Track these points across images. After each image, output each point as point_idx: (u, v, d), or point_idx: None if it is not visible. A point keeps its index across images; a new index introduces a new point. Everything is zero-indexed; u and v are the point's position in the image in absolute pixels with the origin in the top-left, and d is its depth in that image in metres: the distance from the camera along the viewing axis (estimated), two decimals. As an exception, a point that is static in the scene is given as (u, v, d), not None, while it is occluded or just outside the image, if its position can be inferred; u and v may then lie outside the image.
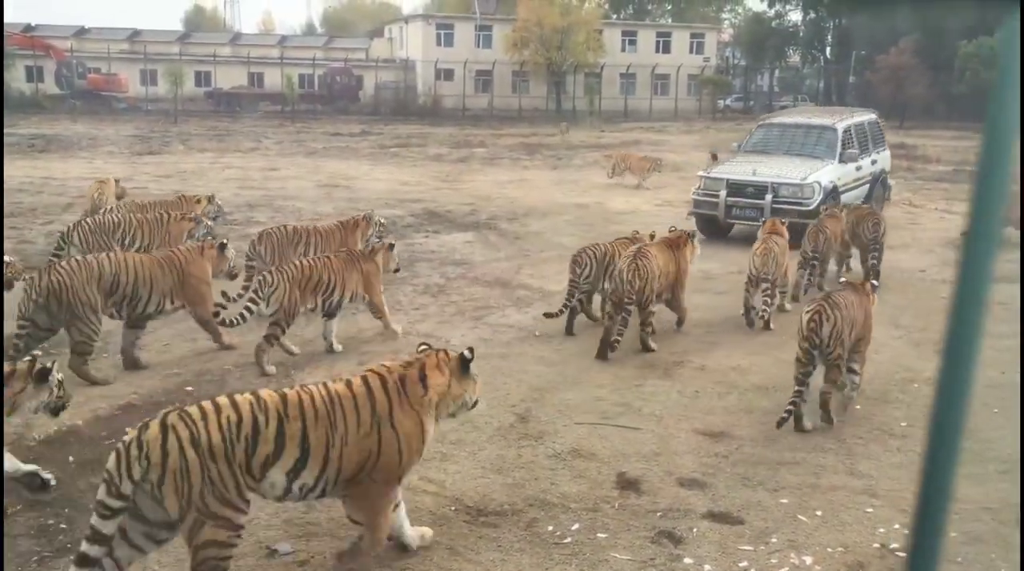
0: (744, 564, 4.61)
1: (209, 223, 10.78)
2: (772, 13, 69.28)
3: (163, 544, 4.16)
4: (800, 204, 13.52)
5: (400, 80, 58.06)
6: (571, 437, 6.30)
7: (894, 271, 11.57)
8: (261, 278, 7.91)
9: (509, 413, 6.72)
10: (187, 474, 3.82)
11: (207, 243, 8.54)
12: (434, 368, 4.54)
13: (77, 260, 7.56)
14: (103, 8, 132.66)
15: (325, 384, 4.38)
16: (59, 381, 5.20)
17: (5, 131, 26.91)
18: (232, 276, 8.67)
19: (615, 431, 6.43)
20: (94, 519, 3.88)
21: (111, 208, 11.35)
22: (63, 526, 4.89)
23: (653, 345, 8.48)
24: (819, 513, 5.20)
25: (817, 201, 13.48)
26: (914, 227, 16.34)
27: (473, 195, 19.77)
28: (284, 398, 4.14)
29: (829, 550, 4.78)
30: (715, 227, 14.77)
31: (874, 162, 16.21)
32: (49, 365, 5.14)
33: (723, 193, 14.33)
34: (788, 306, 9.95)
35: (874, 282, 7.90)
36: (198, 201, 12.10)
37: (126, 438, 3.89)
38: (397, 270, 9.22)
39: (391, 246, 8.90)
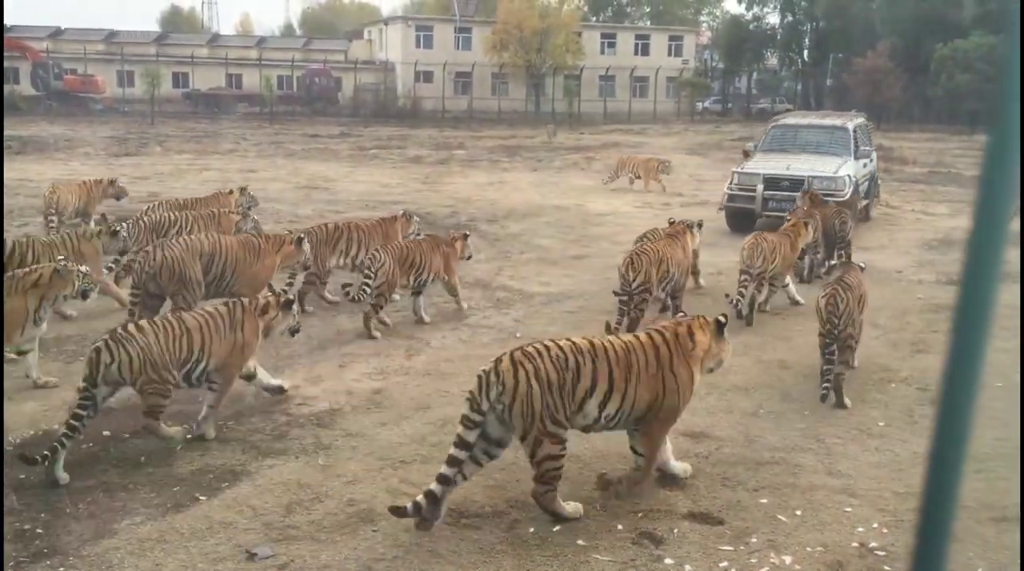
0: (724, 564, 4.63)
1: (255, 217, 11.41)
2: (750, 16, 69.65)
3: (492, 460, 5.11)
4: (833, 196, 13.94)
5: (379, 82, 57.94)
6: (552, 438, 6.29)
7: (871, 272, 11.60)
8: (372, 256, 9.06)
9: (490, 415, 6.71)
10: (531, 400, 4.81)
11: (287, 238, 9.20)
12: (699, 328, 5.43)
13: (185, 239, 8.60)
14: (79, 8, 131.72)
15: (620, 336, 5.46)
16: (298, 309, 6.60)
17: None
18: (306, 267, 9.55)
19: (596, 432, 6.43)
20: (460, 429, 4.87)
21: (156, 205, 11.73)
22: (39, 531, 4.84)
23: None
24: (798, 513, 5.23)
25: (849, 192, 14.21)
26: (891, 228, 16.49)
27: (453, 197, 19.75)
28: (592, 344, 5.10)
29: (808, 550, 4.81)
30: (747, 221, 15.11)
31: (871, 161, 17.20)
32: (292, 297, 6.72)
33: (760, 187, 14.94)
34: (767, 307, 10.01)
35: (862, 265, 8.33)
36: (230, 192, 12.68)
37: (485, 367, 4.93)
38: (470, 257, 10.14)
39: (466, 236, 9.94)
